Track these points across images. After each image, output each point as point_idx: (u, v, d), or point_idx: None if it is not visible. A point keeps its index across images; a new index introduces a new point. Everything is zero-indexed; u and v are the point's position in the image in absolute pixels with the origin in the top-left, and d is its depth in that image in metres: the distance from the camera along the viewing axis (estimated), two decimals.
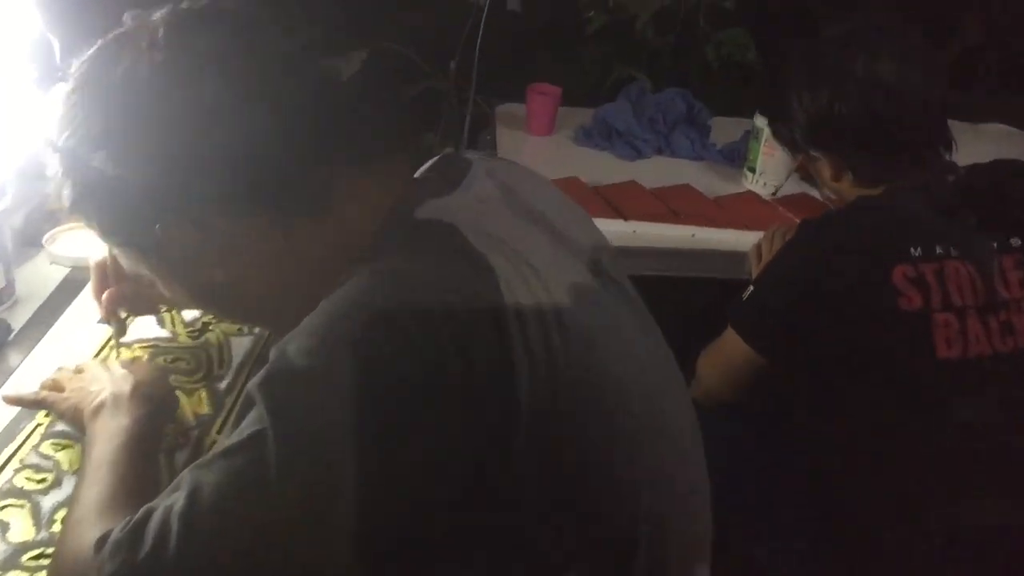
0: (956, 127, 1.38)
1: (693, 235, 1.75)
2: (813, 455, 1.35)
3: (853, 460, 1.29)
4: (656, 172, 1.97)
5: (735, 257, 1.68)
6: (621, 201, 1.79)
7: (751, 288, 1.35)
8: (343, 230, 0.75)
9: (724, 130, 2.13)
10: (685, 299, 1.57)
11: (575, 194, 1.61)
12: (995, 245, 1.28)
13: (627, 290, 0.87)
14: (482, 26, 1.89)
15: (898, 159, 1.34)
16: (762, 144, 1.89)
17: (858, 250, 1.24)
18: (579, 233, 0.86)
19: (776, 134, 1.46)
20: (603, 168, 1.97)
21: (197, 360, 1.15)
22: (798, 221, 1.50)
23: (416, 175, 0.84)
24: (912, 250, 1.23)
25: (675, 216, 1.77)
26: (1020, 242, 1.30)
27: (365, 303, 0.66)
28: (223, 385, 1.11)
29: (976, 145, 1.69)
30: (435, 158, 0.86)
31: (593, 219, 0.94)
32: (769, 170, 1.90)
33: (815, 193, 1.70)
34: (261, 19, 0.75)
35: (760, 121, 1.88)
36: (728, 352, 1.35)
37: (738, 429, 1.45)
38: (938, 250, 1.24)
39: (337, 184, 0.75)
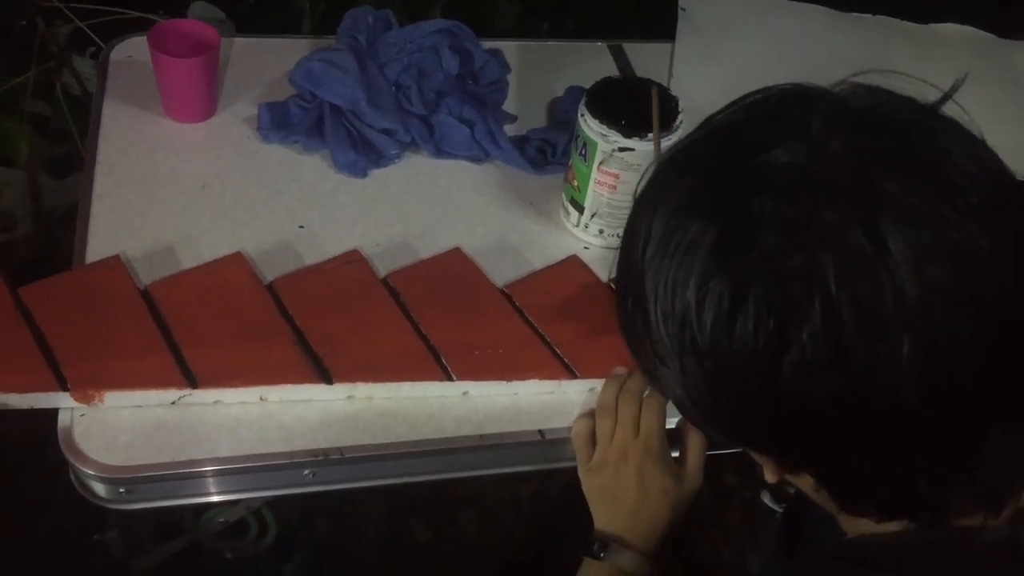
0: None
1: (466, 393, 0.88)
2: None
3: None
4: (404, 203, 1.05)
5: (539, 443, 0.89)
6: (321, 321, 0.88)
7: None
8: None
9: (537, 92, 1.20)
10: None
11: (232, 299, 0.84)
12: None
13: None
14: None
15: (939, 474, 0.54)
16: (595, 164, 0.98)
17: None
18: None
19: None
20: (303, 201, 1.03)
21: None
22: None
23: None
24: None
25: (430, 364, 0.88)
26: None
27: None
28: None
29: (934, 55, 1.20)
30: None
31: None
32: (609, 212, 1.01)
33: None
34: None
35: (590, 120, 0.96)
36: None
37: None
38: None
39: None
